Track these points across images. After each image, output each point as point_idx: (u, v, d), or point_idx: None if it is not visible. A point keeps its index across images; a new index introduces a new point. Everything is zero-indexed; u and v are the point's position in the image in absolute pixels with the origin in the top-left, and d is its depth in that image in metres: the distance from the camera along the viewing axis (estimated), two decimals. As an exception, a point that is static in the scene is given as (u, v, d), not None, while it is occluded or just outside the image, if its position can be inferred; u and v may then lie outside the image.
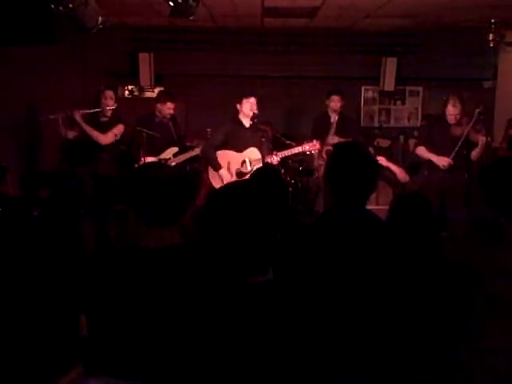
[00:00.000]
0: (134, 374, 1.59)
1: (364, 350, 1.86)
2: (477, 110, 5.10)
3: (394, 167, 5.35)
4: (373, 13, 6.41)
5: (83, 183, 3.63)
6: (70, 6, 4.37)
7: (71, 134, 5.50)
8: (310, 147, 5.24)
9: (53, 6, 4.37)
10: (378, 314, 1.89)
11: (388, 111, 8.87)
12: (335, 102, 6.29)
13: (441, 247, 2.39)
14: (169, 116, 5.96)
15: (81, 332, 1.94)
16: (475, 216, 2.34)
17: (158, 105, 5.96)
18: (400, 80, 8.42)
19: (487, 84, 8.00)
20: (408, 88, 8.76)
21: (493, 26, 6.45)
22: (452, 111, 5.15)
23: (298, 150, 5.29)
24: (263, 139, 5.15)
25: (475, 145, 5.11)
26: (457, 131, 5.16)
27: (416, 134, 8.05)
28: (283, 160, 5.54)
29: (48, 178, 4.17)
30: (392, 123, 8.82)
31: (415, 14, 6.41)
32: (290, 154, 5.33)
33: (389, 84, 8.36)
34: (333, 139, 5.95)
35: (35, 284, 2.60)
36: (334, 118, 6.34)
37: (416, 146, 5.54)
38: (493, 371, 2.01)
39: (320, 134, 5.94)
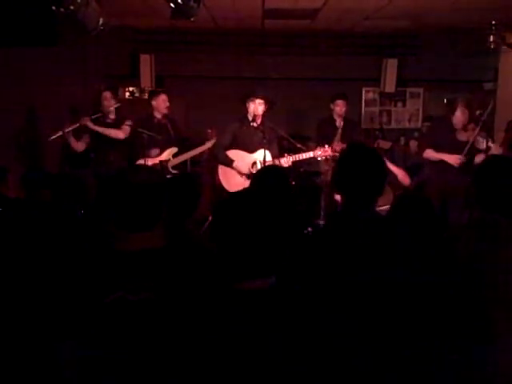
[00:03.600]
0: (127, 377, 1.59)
1: (373, 353, 1.86)
2: (477, 112, 5.10)
3: (395, 169, 5.34)
4: (373, 14, 6.41)
5: (83, 184, 3.66)
6: (71, 7, 4.37)
7: (81, 146, 5.60)
8: (322, 153, 5.29)
9: (54, 8, 4.37)
10: (388, 319, 1.88)
11: (389, 113, 8.87)
12: (340, 107, 6.30)
13: (441, 248, 2.39)
14: (166, 111, 5.96)
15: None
16: (475, 216, 2.35)
17: (153, 102, 5.95)
18: (401, 81, 8.42)
19: (488, 86, 8.00)
20: (409, 89, 8.77)
21: (493, 27, 6.44)
22: (460, 118, 5.12)
23: (309, 155, 5.33)
24: (264, 140, 5.14)
25: (479, 151, 5.08)
26: (463, 136, 5.14)
27: (417, 135, 8.06)
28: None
29: (50, 178, 4.19)
30: (393, 125, 8.83)
31: (416, 15, 6.41)
32: (301, 158, 5.34)
33: (389, 85, 8.37)
34: (338, 145, 5.93)
35: (35, 284, 2.59)
36: (339, 122, 6.35)
37: (422, 148, 5.50)
38: (504, 370, 2.01)
39: (325, 139, 5.94)
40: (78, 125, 5.48)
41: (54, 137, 5.49)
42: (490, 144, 4.98)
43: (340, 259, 1.92)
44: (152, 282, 1.62)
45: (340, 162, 2.14)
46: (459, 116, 5.13)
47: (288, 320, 1.56)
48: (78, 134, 5.57)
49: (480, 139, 5.05)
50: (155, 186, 1.80)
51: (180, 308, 1.57)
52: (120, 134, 5.58)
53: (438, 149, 5.26)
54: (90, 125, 5.48)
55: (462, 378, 2.03)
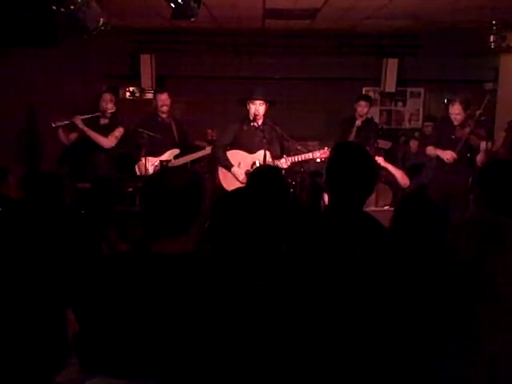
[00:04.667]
0: (133, 373, 1.59)
1: (363, 352, 1.86)
2: (477, 112, 5.13)
3: (393, 170, 5.34)
4: (374, 14, 6.41)
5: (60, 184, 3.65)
6: (72, 7, 4.37)
7: (72, 136, 5.54)
8: (321, 154, 5.29)
9: (54, 8, 4.37)
10: (378, 316, 1.89)
11: (389, 112, 8.87)
12: (361, 108, 6.58)
13: (443, 248, 2.40)
14: (167, 109, 5.94)
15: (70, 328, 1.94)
16: (475, 216, 2.36)
17: (154, 101, 6.03)
18: (401, 81, 8.42)
19: (488, 86, 8.00)
20: (409, 89, 8.76)
21: (494, 27, 6.44)
22: (452, 110, 5.27)
23: (308, 156, 5.35)
24: (264, 140, 5.14)
25: (476, 149, 5.19)
26: (459, 133, 5.23)
27: (417, 135, 8.07)
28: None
29: (49, 179, 4.21)
30: (393, 125, 8.83)
31: (416, 15, 6.40)
32: (300, 160, 5.36)
33: (390, 85, 8.37)
34: None
35: (35, 285, 2.60)
36: (358, 122, 6.56)
37: (425, 146, 5.63)
38: (495, 370, 2.01)
39: (343, 138, 6.09)
40: (68, 122, 5.46)
41: (53, 125, 5.46)
42: (482, 143, 5.08)
43: (325, 261, 1.91)
44: (179, 287, 1.60)
45: (328, 162, 2.12)
46: (451, 108, 5.27)
47: (280, 319, 1.56)
48: (72, 128, 5.52)
49: (475, 138, 5.14)
50: (190, 191, 1.78)
51: (203, 313, 1.56)
52: (105, 142, 5.49)
53: (439, 146, 5.38)
54: (80, 124, 5.41)
55: (458, 379, 2.03)
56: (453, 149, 5.20)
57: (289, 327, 1.56)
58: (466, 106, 5.23)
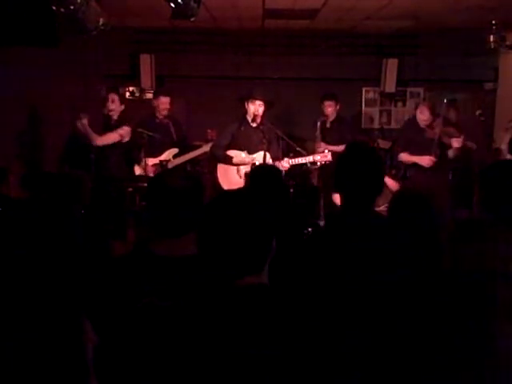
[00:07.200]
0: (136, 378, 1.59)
1: (367, 353, 1.86)
2: (477, 112, 5.18)
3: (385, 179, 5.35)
4: (373, 14, 6.41)
5: (81, 184, 3.68)
6: (71, 7, 4.37)
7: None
8: (322, 158, 5.31)
9: (54, 8, 4.37)
10: (383, 317, 1.89)
11: (389, 112, 8.87)
12: (328, 108, 6.39)
13: (439, 247, 2.40)
14: (166, 112, 5.99)
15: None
16: (476, 217, 2.36)
17: (154, 102, 6.05)
18: (401, 81, 8.42)
19: (488, 85, 8.01)
20: (409, 89, 8.76)
21: (493, 27, 6.44)
22: (420, 117, 5.44)
23: (309, 159, 5.35)
24: (264, 140, 5.15)
25: (449, 146, 5.35)
26: (430, 134, 5.36)
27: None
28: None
29: (50, 178, 4.21)
30: (393, 125, 8.83)
31: (416, 15, 6.41)
32: (300, 162, 5.36)
33: (389, 85, 8.37)
34: (319, 147, 6.00)
35: (37, 286, 2.59)
36: (328, 125, 6.42)
37: (397, 152, 5.70)
38: (494, 370, 2.01)
39: (312, 139, 6.06)
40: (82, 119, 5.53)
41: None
42: (453, 140, 5.24)
43: (340, 261, 1.92)
44: (182, 289, 1.60)
45: (339, 162, 2.15)
46: (418, 115, 5.44)
47: (284, 320, 1.55)
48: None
49: (446, 137, 5.25)
50: (191, 191, 1.78)
51: (206, 316, 1.55)
52: (94, 140, 5.51)
53: (410, 149, 5.47)
54: (83, 122, 5.49)
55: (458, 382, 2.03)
56: (427, 151, 5.29)
57: (293, 327, 1.55)
58: (432, 111, 5.40)
